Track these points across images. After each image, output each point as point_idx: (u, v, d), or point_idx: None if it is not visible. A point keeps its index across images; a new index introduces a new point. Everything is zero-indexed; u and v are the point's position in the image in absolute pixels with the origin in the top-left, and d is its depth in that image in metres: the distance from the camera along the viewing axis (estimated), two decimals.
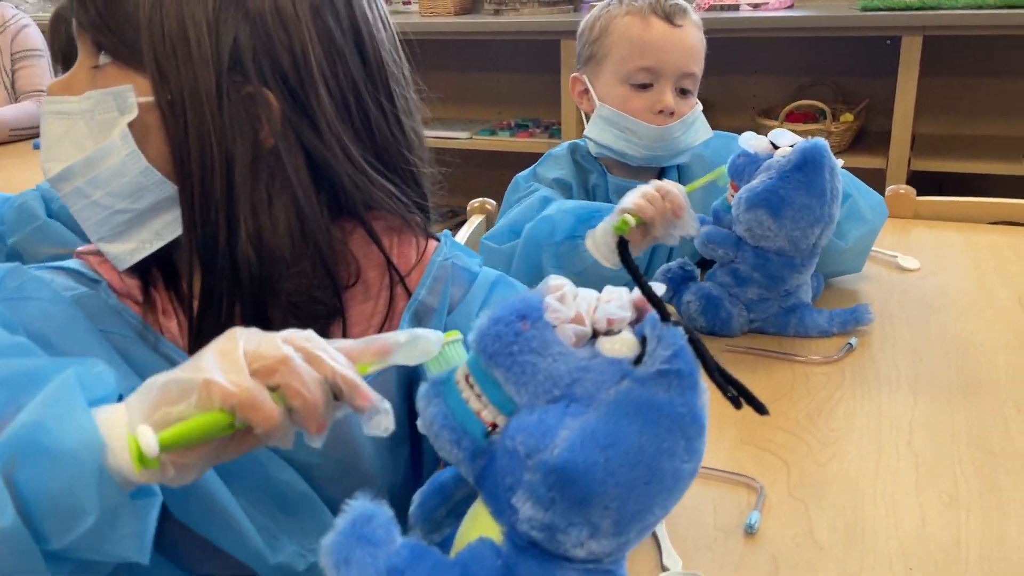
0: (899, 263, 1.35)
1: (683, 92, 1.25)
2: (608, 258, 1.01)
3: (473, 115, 3.33)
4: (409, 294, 0.75)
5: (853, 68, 2.82)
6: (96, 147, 0.64)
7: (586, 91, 1.30)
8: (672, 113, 1.22)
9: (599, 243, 1.01)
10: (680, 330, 0.46)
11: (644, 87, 1.23)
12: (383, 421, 0.53)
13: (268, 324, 0.59)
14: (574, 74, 1.32)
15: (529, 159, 1.39)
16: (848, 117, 2.65)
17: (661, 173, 1.31)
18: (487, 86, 3.37)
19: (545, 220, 1.09)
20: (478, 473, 0.51)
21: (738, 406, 0.47)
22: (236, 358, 0.51)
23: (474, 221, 1.54)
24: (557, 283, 0.50)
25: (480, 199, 1.58)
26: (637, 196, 1.00)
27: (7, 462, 0.47)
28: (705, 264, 1.19)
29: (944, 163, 2.53)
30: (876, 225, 1.24)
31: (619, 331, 0.48)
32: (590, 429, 0.45)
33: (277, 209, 0.66)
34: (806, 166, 1.01)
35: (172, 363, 0.66)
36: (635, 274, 0.52)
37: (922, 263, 1.35)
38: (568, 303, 0.49)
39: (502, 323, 0.48)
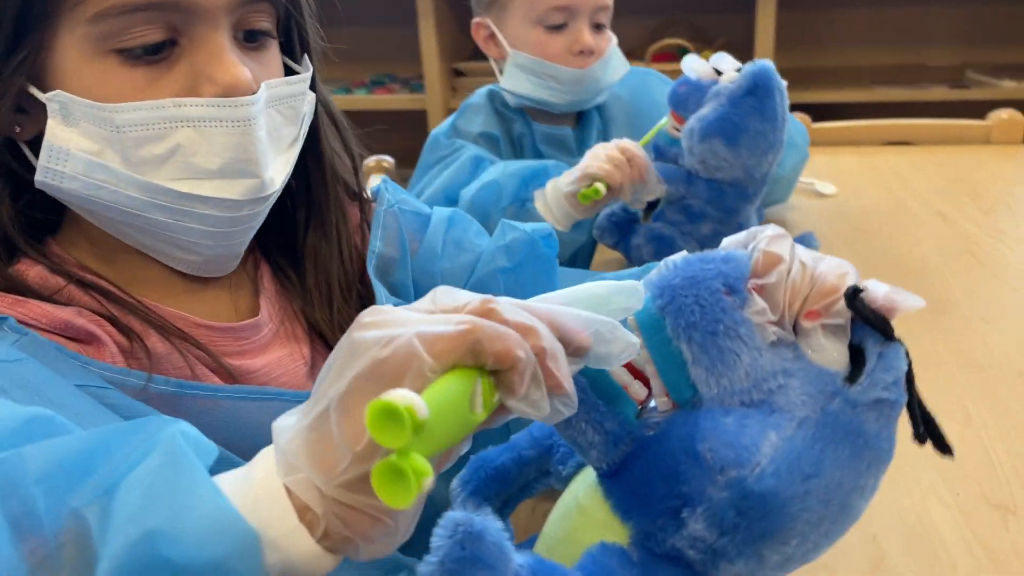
0: (817, 189, 1.35)
1: (598, 27, 1.17)
2: (561, 221, 0.97)
3: (322, 74, 3.09)
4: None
5: (708, 6, 2.84)
6: None
7: (492, 36, 1.20)
8: (592, 52, 1.14)
9: (552, 205, 0.96)
10: (903, 351, 0.39)
11: (558, 28, 1.14)
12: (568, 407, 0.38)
13: None
14: (476, 19, 1.22)
15: (395, 117, 1.27)
16: (708, 55, 2.67)
17: (580, 116, 1.24)
18: (333, 41, 3.13)
19: (491, 186, 1.01)
20: (614, 462, 0.41)
21: (922, 442, 0.40)
22: (426, 314, 0.36)
23: (372, 182, 1.40)
24: (773, 251, 0.39)
25: (376, 157, 1.44)
26: (603, 162, 0.97)
27: None
28: (647, 204, 1.12)
29: (805, 95, 2.59)
30: (806, 152, 1.22)
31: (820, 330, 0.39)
32: (796, 453, 0.36)
33: None
34: (757, 90, 0.95)
35: (176, 407, 0.51)
36: (868, 317, 0.38)
37: (836, 188, 1.35)
38: (776, 291, 0.39)
39: (704, 288, 0.38)
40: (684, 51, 2.64)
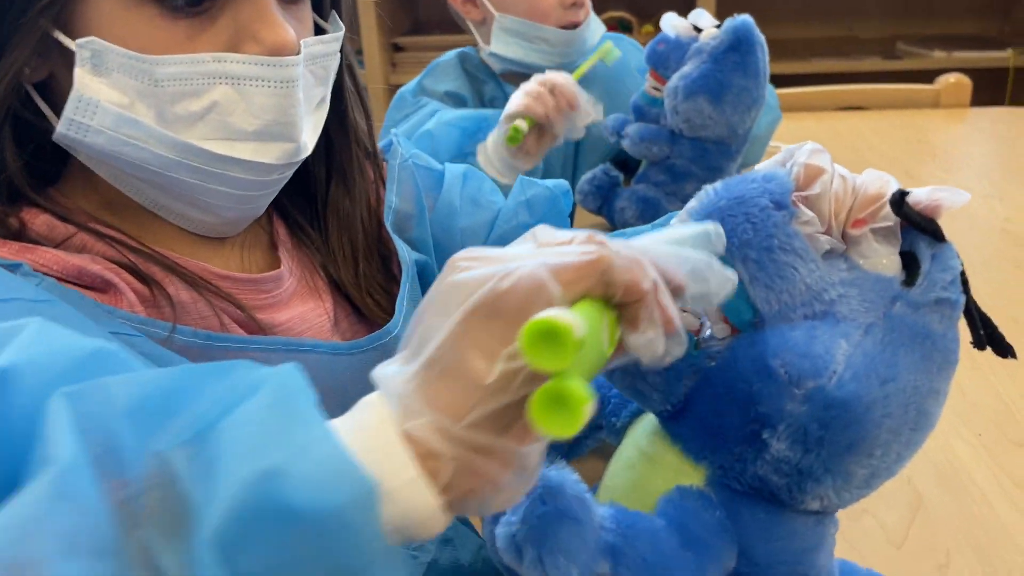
0: None
1: None
2: (504, 173, 0.91)
3: None
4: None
5: None
6: None
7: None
8: (582, 5, 1.11)
9: (492, 158, 0.91)
10: (955, 251, 0.38)
11: None
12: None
13: None
14: None
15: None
16: (649, 28, 2.67)
17: None
18: None
19: (424, 137, 0.95)
20: (678, 402, 0.39)
21: (982, 347, 0.40)
22: (539, 248, 0.34)
23: None
24: (815, 164, 0.38)
25: None
26: (521, 97, 0.90)
27: (230, 541, 0.27)
28: (627, 167, 1.11)
29: None
30: (779, 114, 1.22)
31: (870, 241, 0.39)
32: (869, 358, 0.35)
33: None
34: (740, 45, 0.94)
35: (202, 361, 0.46)
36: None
37: None
38: (821, 202, 0.38)
39: (753, 206, 0.37)
40: (625, 24, 2.64)
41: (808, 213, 0.37)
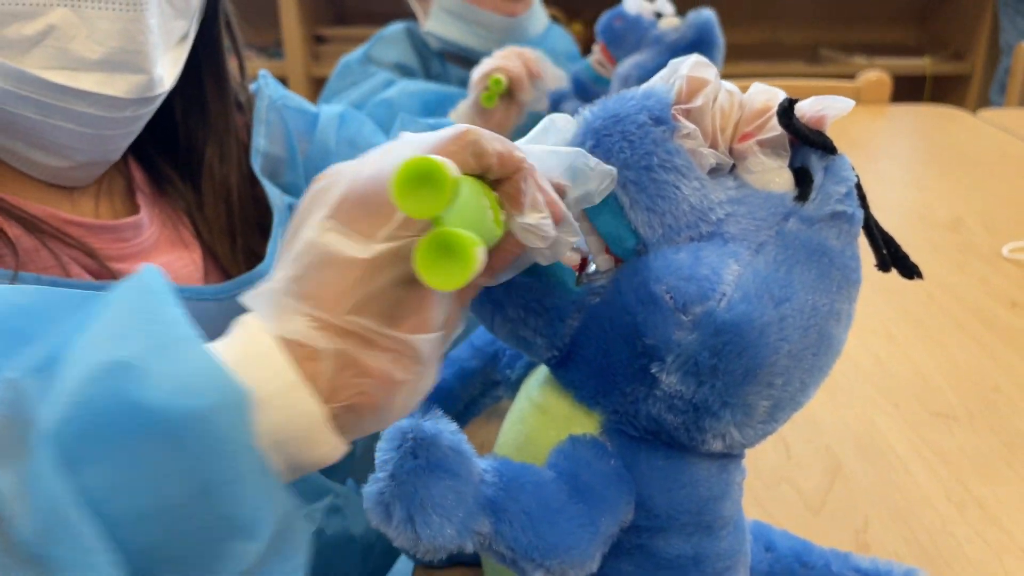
0: None
1: None
2: None
3: None
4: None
5: None
6: None
7: None
8: None
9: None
10: (848, 162, 0.36)
11: None
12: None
13: None
14: None
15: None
16: (578, 26, 2.67)
17: None
18: None
19: (383, 104, 0.93)
20: (564, 344, 0.35)
21: (886, 269, 0.37)
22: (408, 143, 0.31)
23: None
24: (697, 76, 0.34)
25: None
26: (493, 59, 0.91)
27: (72, 445, 0.23)
28: None
29: None
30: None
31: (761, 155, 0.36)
32: (761, 278, 0.32)
33: None
34: (702, 44, 0.91)
35: None
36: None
37: None
38: (704, 115, 0.35)
39: (630, 123, 0.33)
40: (554, 19, 2.63)
41: (689, 126, 0.34)
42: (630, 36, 0.95)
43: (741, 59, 2.56)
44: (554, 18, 2.63)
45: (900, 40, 2.80)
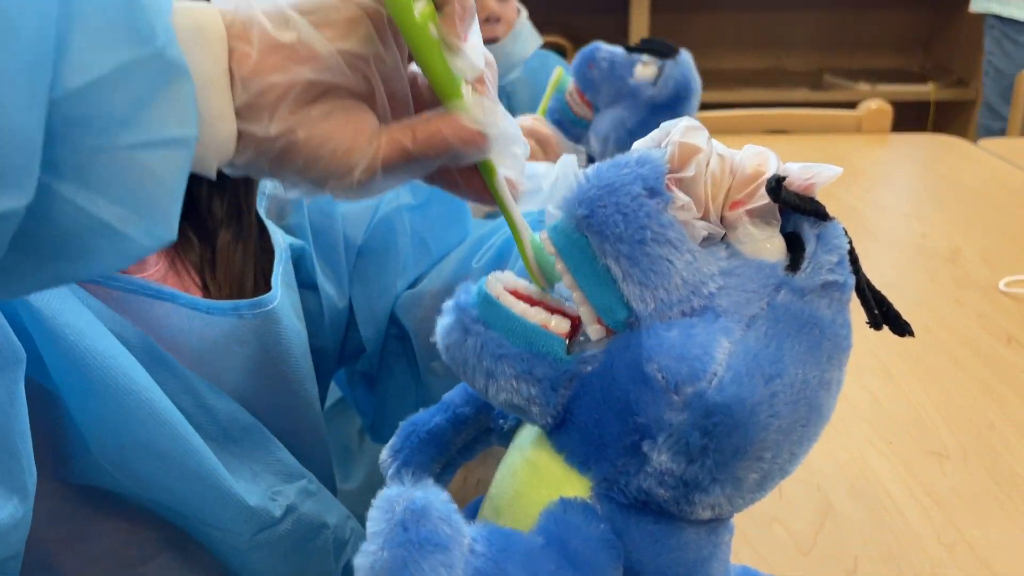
0: None
1: None
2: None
3: None
4: None
5: (582, 6, 2.87)
6: None
7: None
8: (499, 20, 1.09)
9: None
10: (841, 228, 0.35)
11: None
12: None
13: None
14: None
15: None
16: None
17: None
18: None
19: None
20: (558, 412, 0.36)
21: (878, 327, 0.37)
22: None
23: None
24: (689, 142, 0.34)
25: None
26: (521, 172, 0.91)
27: None
28: None
29: None
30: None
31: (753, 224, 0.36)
32: (752, 355, 0.32)
33: None
34: (679, 103, 0.89)
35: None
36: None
37: None
38: (696, 185, 0.34)
39: (624, 194, 0.33)
40: (560, 49, 2.65)
41: (684, 198, 0.33)
42: (604, 86, 0.93)
43: (745, 85, 2.57)
44: (558, 47, 2.65)
45: (904, 66, 2.80)
